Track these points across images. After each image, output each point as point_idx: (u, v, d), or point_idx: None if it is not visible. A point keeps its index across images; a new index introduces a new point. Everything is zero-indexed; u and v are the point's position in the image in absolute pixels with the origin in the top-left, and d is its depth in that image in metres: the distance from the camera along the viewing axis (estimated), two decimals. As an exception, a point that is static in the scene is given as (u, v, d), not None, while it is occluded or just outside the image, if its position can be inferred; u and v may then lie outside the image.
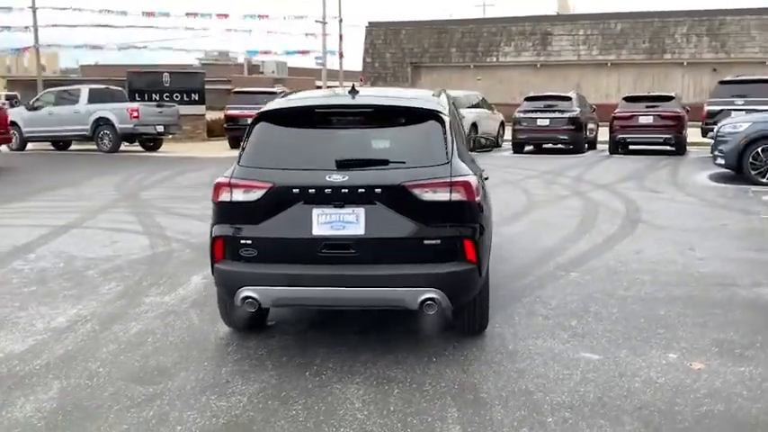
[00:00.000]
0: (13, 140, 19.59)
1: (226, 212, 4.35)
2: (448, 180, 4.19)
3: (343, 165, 4.23)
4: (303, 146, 4.43)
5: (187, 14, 39.66)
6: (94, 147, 20.47)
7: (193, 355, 4.55)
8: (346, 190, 4.15)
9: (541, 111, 19.20)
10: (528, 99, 20.10)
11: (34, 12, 27.73)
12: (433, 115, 4.53)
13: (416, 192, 4.15)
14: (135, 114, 19.57)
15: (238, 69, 74.59)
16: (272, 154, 4.38)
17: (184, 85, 25.14)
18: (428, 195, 4.17)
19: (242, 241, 4.29)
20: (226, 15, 38.49)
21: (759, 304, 5.54)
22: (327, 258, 4.21)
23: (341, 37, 30.51)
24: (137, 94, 23.93)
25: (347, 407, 3.78)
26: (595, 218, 9.32)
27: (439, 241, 4.20)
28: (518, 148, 19.83)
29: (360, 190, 4.15)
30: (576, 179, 13.56)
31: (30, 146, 21.49)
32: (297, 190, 4.20)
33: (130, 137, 20.33)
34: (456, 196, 4.21)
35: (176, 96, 24.69)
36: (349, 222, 4.17)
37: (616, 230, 8.44)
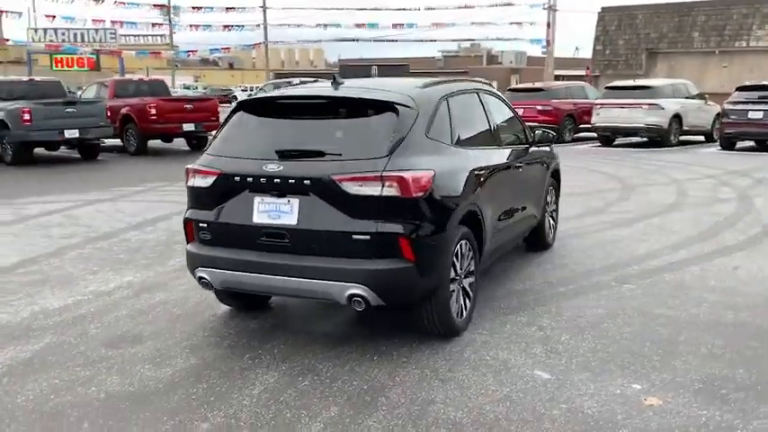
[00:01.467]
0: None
1: (191, 197, 4.64)
2: (378, 174, 4.04)
3: (282, 155, 4.28)
4: (258, 136, 4.55)
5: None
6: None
7: (170, 328, 4.92)
8: (279, 180, 4.21)
9: (755, 102, 16.90)
10: (740, 89, 17.81)
11: (264, 11, 30.58)
12: (388, 107, 4.38)
13: (345, 185, 4.07)
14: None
15: (478, 61, 75.26)
16: (231, 143, 4.57)
17: (391, 77, 26.08)
18: (356, 189, 4.07)
19: (200, 224, 4.55)
20: (432, 8, 38.75)
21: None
22: (266, 246, 4.30)
23: (548, 25, 29.36)
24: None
25: (253, 387, 3.88)
26: (732, 226, 8.13)
27: (368, 237, 4.08)
28: (726, 143, 17.68)
29: (290, 180, 4.18)
30: (759, 182, 11.82)
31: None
32: (238, 178, 4.35)
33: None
34: (389, 191, 4.05)
35: (382, 87, 25.71)
36: (284, 212, 4.23)
37: (738, 242, 7.32)
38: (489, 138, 5.51)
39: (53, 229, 8.30)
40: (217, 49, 52.69)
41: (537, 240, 6.89)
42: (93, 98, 17.51)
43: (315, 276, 4.16)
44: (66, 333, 4.84)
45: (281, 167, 4.21)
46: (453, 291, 4.57)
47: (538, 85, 21.46)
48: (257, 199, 4.30)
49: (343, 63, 27.57)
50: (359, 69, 27.21)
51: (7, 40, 47.62)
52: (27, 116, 14.98)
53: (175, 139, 18.84)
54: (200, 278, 4.53)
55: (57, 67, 38.43)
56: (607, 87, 20.28)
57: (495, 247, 5.39)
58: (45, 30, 43.02)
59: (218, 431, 3.46)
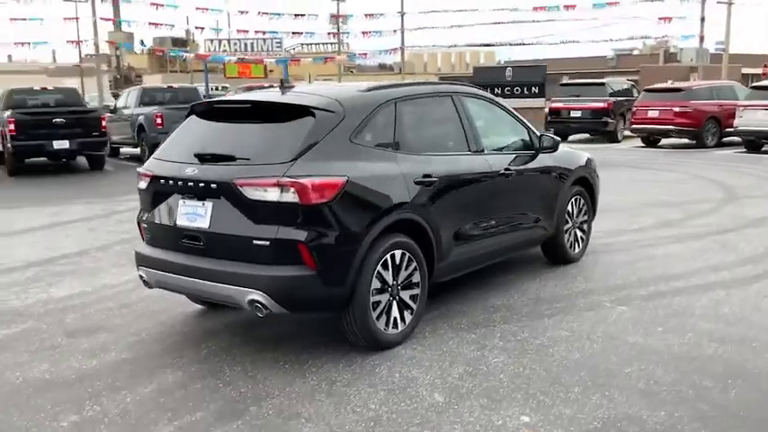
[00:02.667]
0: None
1: (139, 198, 4.85)
2: (276, 180, 3.99)
3: (200, 158, 4.35)
4: (191, 139, 4.65)
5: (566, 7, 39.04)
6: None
7: (133, 323, 5.17)
8: (192, 183, 4.29)
9: None
10: None
11: (402, 16, 30.90)
12: (307, 112, 4.31)
13: (245, 189, 4.06)
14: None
15: (654, 59, 70.85)
16: (172, 146, 4.71)
17: (526, 79, 25.33)
18: (257, 194, 4.04)
19: (143, 225, 4.76)
20: (573, 6, 36.76)
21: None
22: (186, 248, 4.40)
23: (702, 20, 26.81)
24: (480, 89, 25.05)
25: (148, 385, 4.00)
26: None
27: (268, 243, 4.04)
28: None
29: (201, 184, 4.24)
30: None
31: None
32: (163, 180, 4.48)
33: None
34: (288, 197, 3.99)
35: (517, 90, 25.08)
36: (199, 215, 4.30)
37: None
38: (462, 144, 5.22)
39: (125, 225, 8.99)
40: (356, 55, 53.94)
41: (554, 253, 6.42)
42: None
43: (221, 280, 4.19)
44: (45, 320, 5.25)
45: (197, 171, 4.30)
46: (381, 302, 4.40)
47: (676, 84, 19.83)
48: (180, 201, 4.41)
49: (477, 67, 27.26)
50: (493, 72, 26.64)
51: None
52: (159, 120, 16.36)
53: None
54: (141, 276, 4.73)
55: (230, 74, 41.55)
56: (753, 87, 18.32)
57: (463, 258, 5.11)
58: (219, 40, 46.58)
59: (77, 427, 3.59)
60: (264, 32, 44.78)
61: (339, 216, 4.12)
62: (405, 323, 4.60)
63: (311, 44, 56.91)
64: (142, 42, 63.33)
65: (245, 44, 45.78)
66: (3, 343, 4.80)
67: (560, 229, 6.29)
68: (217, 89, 29.45)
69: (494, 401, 3.74)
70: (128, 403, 3.82)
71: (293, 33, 47.97)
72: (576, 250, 6.60)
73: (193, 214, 4.33)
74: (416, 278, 4.65)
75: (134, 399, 3.88)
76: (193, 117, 4.83)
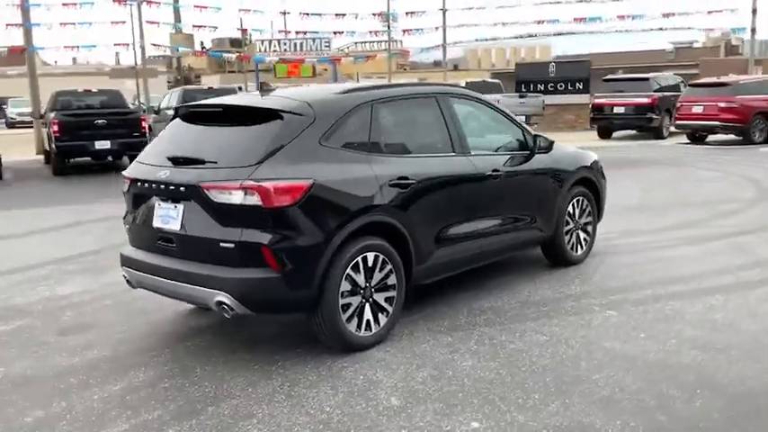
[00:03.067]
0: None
1: (124, 200, 4.98)
2: (239, 183, 4.04)
3: (174, 161, 4.44)
4: (169, 142, 4.74)
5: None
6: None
7: (125, 321, 5.31)
8: (164, 186, 4.37)
9: None
10: None
11: (444, 13, 30.67)
12: (276, 115, 4.35)
13: (211, 193, 4.12)
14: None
15: (714, 52, 68.56)
16: (154, 149, 4.82)
17: (569, 74, 24.94)
18: (221, 197, 4.10)
19: (127, 227, 4.88)
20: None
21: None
22: (162, 250, 4.50)
23: (754, 12, 25.56)
24: (523, 85, 24.75)
25: (118, 383, 4.11)
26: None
27: (233, 245, 4.10)
28: None
29: (171, 187, 4.33)
30: None
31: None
32: (139, 183, 4.59)
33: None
34: (251, 200, 4.03)
35: (560, 86, 24.70)
36: (172, 217, 4.39)
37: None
38: (446, 145, 5.18)
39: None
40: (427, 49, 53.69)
41: (555, 255, 6.31)
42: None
43: (191, 282, 4.27)
44: (41, 318, 5.44)
45: (168, 174, 4.38)
46: (351, 304, 4.41)
47: (723, 79, 19.14)
48: (157, 204, 4.51)
49: (519, 63, 26.93)
50: (536, 68, 26.33)
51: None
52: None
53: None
54: (124, 276, 4.86)
55: (280, 75, 42.20)
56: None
57: (446, 261, 5.07)
58: (270, 41, 47.18)
59: (39, 424, 3.71)
60: (305, 32, 45.17)
61: (303, 219, 4.14)
62: (379, 325, 4.59)
63: (364, 42, 57.04)
64: (202, 44, 64.67)
65: (295, 44, 46.23)
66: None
67: (560, 230, 6.17)
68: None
69: (449, 406, 3.71)
70: (94, 400, 3.93)
71: (335, 32, 48.11)
72: (579, 252, 6.46)
73: (167, 216, 4.43)
74: (392, 281, 4.64)
75: (101, 396, 3.98)
76: (176, 120, 4.92)
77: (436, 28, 30.85)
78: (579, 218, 6.43)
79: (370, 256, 4.48)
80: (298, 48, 46.11)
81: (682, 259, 6.54)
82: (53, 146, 15.48)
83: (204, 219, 4.21)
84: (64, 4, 24.26)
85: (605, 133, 21.18)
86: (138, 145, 15.97)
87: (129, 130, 15.80)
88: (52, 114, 15.77)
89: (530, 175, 5.83)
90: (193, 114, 4.85)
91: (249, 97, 4.85)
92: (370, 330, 4.55)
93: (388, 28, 56.75)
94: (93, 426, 3.64)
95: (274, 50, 46.04)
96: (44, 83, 23.22)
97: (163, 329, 5.11)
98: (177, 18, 48.23)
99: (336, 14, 49.25)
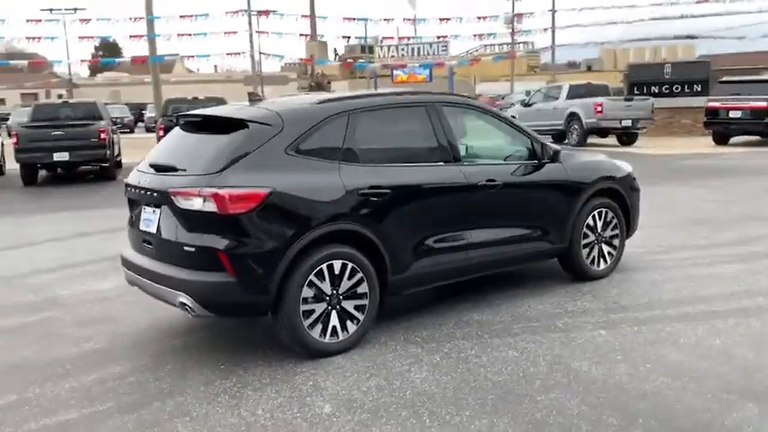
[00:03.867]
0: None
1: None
2: (197, 190, 4.23)
3: (156, 169, 4.71)
4: (159, 150, 5.01)
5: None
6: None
7: (138, 316, 5.66)
8: (143, 191, 4.65)
9: None
10: None
11: (553, 13, 29.81)
12: (243, 125, 4.50)
13: (176, 199, 4.34)
14: (599, 109, 19.68)
15: None
16: (148, 157, 5.11)
17: (687, 76, 23.52)
18: (184, 203, 4.30)
19: (127, 229, 5.22)
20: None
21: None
22: (145, 251, 4.78)
23: None
24: (635, 88, 23.65)
25: (88, 375, 4.43)
26: None
27: (194, 249, 4.30)
28: None
29: (149, 192, 4.59)
30: None
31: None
32: (131, 188, 4.90)
33: (596, 131, 20.46)
34: (209, 207, 4.21)
35: (676, 88, 23.37)
36: (151, 221, 4.65)
37: None
38: (433, 154, 5.13)
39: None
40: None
41: (572, 269, 6.05)
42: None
43: (161, 282, 4.51)
44: (69, 310, 5.89)
45: (149, 180, 4.66)
46: (315, 310, 4.48)
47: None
48: (143, 208, 4.80)
49: (632, 64, 25.69)
50: (650, 69, 25.01)
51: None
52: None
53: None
54: (125, 274, 5.19)
55: (398, 80, 42.88)
56: None
57: (429, 271, 5.02)
58: (389, 47, 47.89)
59: (8, 406, 4.03)
60: (409, 38, 45.66)
61: (260, 226, 4.26)
62: (348, 332, 4.63)
63: (491, 45, 56.46)
64: (335, 51, 66.47)
65: (413, 49, 46.64)
66: (16, 328, 5.48)
67: (575, 243, 5.92)
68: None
69: (375, 417, 3.70)
70: (64, 389, 4.24)
71: (439, 37, 47.74)
72: (602, 266, 6.16)
73: (148, 220, 4.70)
74: (363, 289, 4.66)
75: (72, 386, 4.29)
76: (176, 129, 5.20)
77: (544, 30, 30.02)
78: (602, 231, 6.13)
79: (337, 263, 4.53)
80: (416, 52, 46.48)
81: (715, 278, 6.08)
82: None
83: (173, 223, 4.44)
84: (182, 17, 25.95)
85: (721, 139, 19.82)
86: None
87: None
88: (160, 120, 16.90)
89: (536, 185, 5.64)
90: (186, 124, 5.10)
91: (228, 108, 5.05)
92: (337, 337, 4.59)
93: (512, 30, 55.99)
94: (47, 412, 3.93)
95: (392, 56, 46.71)
96: (180, 90, 24.88)
97: (160, 326, 5.40)
98: (313, 28, 50.06)
99: (442, 19, 48.65)
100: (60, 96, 45.19)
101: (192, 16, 25.94)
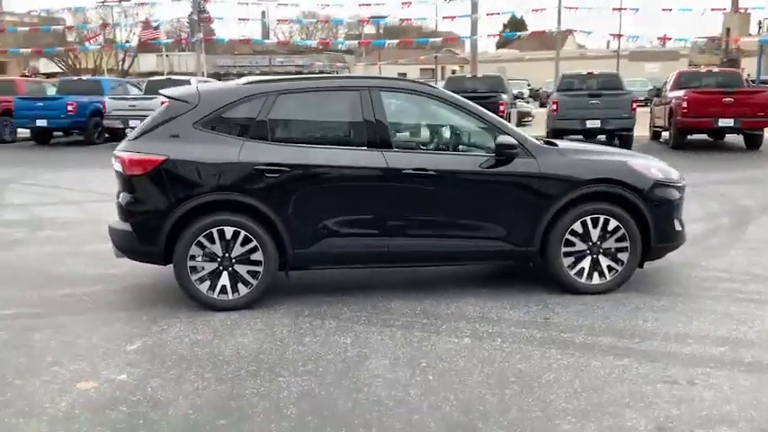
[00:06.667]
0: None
1: None
2: (115, 153, 5.13)
3: None
4: None
5: None
6: None
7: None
8: None
9: None
10: None
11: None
12: (171, 100, 5.21)
13: (112, 160, 5.28)
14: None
15: None
16: None
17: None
18: (114, 165, 5.22)
19: None
20: None
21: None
22: None
23: None
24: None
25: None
26: None
27: (118, 203, 5.25)
28: None
29: None
30: None
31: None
32: None
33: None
34: (118, 168, 5.14)
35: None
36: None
37: None
38: (357, 139, 5.18)
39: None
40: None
41: (552, 277, 5.41)
42: (621, 91, 17.55)
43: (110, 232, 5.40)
44: (114, 284, 5.85)
45: None
46: (203, 268, 5.02)
47: None
48: None
49: None
50: None
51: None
52: (554, 106, 16.90)
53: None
54: None
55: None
56: None
57: (338, 252, 5.17)
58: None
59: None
60: None
61: (151, 187, 4.98)
62: (239, 293, 5.07)
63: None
64: (759, 24, 58.10)
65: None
66: (59, 299, 5.52)
67: (551, 249, 5.29)
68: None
69: (177, 380, 3.96)
70: (26, 338, 4.64)
71: None
72: (596, 281, 5.36)
73: None
74: (258, 257, 5.05)
75: (31, 336, 4.69)
76: None
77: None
78: (599, 241, 5.33)
79: (229, 230, 4.99)
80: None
81: (728, 317, 4.84)
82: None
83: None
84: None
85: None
86: (626, 126, 16.49)
87: (619, 111, 16.45)
88: (554, 94, 17.57)
89: (487, 178, 5.21)
90: None
91: (178, 87, 5.73)
92: (227, 296, 5.07)
93: None
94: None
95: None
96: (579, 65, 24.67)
97: (158, 299, 5.45)
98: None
99: None
100: (453, 72, 48.14)
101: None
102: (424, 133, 5.54)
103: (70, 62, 56.91)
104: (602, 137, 17.37)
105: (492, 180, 5.25)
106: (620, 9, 37.95)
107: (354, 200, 5.14)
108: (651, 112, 19.56)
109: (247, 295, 5.10)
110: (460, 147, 5.45)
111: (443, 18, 73.32)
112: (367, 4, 35.28)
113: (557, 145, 5.68)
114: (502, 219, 5.27)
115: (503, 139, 5.18)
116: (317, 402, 3.65)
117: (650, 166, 5.56)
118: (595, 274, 5.38)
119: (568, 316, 4.94)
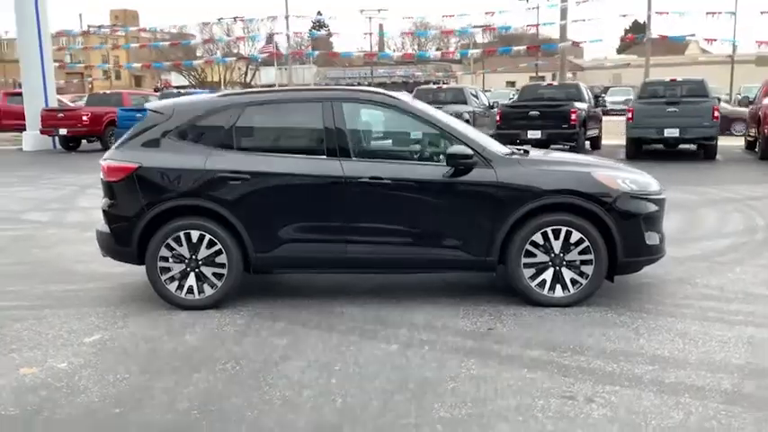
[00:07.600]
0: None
1: None
2: (100, 161, 5.57)
3: None
4: None
5: None
6: None
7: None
8: None
9: None
10: None
11: None
12: (150, 112, 5.59)
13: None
14: None
15: None
16: None
17: None
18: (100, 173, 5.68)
19: None
20: None
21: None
22: None
23: None
24: None
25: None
26: None
27: (102, 207, 5.67)
28: None
29: None
30: None
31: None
32: None
33: None
34: (101, 174, 5.53)
35: None
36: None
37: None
38: (318, 148, 5.35)
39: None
40: None
41: (514, 289, 5.35)
42: (702, 98, 16.53)
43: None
44: (112, 282, 6.30)
45: None
46: (172, 269, 5.36)
47: None
48: None
49: None
50: None
51: None
52: (630, 114, 16.26)
53: None
54: None
55: None
56: None
57: (299, 256, 5.37)
58: None
59: None
60: None
61: (125, 193, 5.39)
62: (204, 294, 5.37)
63: None
64: None
65: None
66: (59, 294, 6.01)
67: (511, 260, 5.24)
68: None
69: (114, 363, 4.38)
70: (8, 327, 5.10)
71: None
72: (559, 293, 5.26)
73: None
74: (222, 259, 5.34)
75: (12, 325, 5.15)
76: None
77: None
78: (562, 253, 5.22)
79: (195, 233, 5.31)
80: None
81: (682, 337, 4.62)
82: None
83: None
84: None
85: None
86: (707, 134, 15.58)
87: (699, 119, 15.74)
88: (631, 102, 17.44)
89: (441, 188, 5.23)
90: None
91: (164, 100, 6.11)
92: (194, 295, 5.38)
93: None
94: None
95: None
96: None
97: (139, 293, 5.88)
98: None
99: None
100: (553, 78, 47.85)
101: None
102: (385, 143, 5.64)
103: (198, 75, 60.65)
104: (686, 146, 16.59)
105: (447, 190, 5.27)
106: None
107: (313, 207, 5.32)
108: (746, 122, 18.67)
109: (212, 296, 5.39)
110: (421, 156, 5.50)
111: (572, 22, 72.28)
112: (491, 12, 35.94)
113: (528, 153, 5.61)
114: (458, 228, 5.28)
115: (454, 149, 5.20)
116: (209, 399, 3.86)
117: (618, 177, 5.37)
118: (558, 287, 5.28)
119: (514, 328, 4.89)
